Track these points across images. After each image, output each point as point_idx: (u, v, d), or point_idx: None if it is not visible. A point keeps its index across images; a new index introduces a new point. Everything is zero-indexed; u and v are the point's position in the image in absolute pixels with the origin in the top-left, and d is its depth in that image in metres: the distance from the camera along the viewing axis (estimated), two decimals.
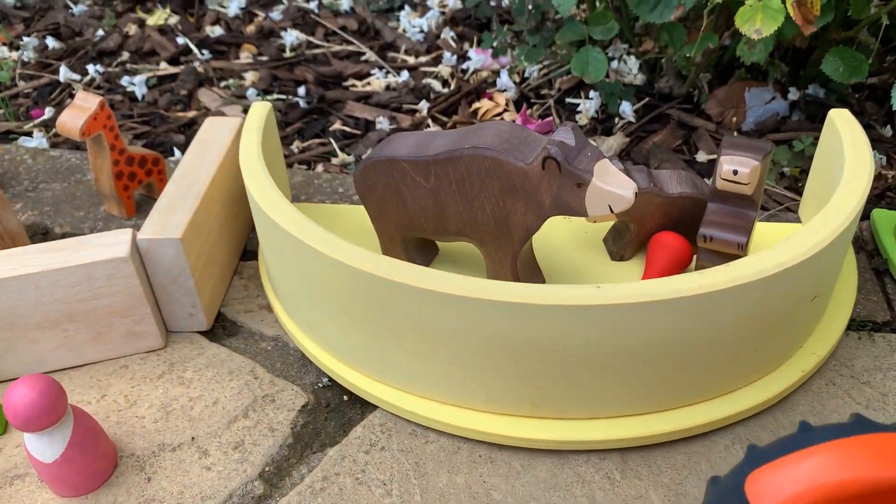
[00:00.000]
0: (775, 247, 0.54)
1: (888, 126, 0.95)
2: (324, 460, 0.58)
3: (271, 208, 0.60)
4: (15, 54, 1.20)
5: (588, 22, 0.91)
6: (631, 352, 0.54)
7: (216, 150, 0.73)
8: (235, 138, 0.76)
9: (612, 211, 0.58)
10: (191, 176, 0.70)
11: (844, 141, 0.65)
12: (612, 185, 0.58)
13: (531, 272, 0.69)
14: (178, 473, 0.58)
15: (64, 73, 1.11)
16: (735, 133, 0.94)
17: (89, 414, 0.57)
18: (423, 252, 0.73)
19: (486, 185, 0.62)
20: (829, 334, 0.64)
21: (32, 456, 0.53)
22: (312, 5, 1.31)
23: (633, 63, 1.04)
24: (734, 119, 0.95)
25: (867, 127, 0.95)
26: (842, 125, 0.68)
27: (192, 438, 0.60)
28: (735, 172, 0.59)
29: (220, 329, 0.70)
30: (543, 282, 0.70)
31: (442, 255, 0.74)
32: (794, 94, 0.97)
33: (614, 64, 1.05)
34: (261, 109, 0.73)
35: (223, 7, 1.32)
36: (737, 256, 0.62)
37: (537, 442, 0.58)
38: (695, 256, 0.72)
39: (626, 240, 0.71)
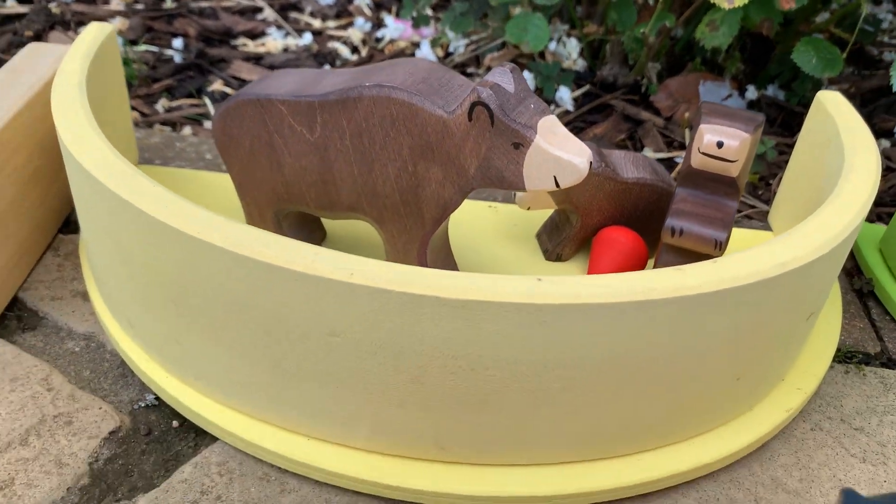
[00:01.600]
0: (772, 242, 0.40)
1: None
2: None
3: (78, 146, 0.42)
4: None
5: None
6: (577, 370, 0.38)
7: (29, 82, 0.54)
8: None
9: (557, 185, 0.43)
10: None
11: (841, 129, 0.52)
12: (563, 148, 0.42)
13: (444, 265, 0.52)
14: None
15: None
16: (686, 131, 0.81)
17: None
18: (303, 233, 0.55)
19: (392, 140, 0.45)
20: (815, 365, 0.51)
21: None
22: None
23: (573, 46, 0.91)
24: (686, 115, 0.83)
25: None
26: (835, 110, 0.55)
27: None
28: (720, 145, 0.45)
29: (14, 320, 0.51)
30: None
31: (330, 240, 0.57)
32: (752, 94, 0.85)
33: (552, 45, 0.91)
34: (97, 31, 0.55)
35: None
36: (710, 258, 0.48)
37: (442, 497, 0.41)
38: (650, 260, 0.57)
39: (565, 235, 0.56)
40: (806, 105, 0.87)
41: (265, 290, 0.37)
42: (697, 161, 0.46)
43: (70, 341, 0.49)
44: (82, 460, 0.42)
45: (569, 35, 0.93)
